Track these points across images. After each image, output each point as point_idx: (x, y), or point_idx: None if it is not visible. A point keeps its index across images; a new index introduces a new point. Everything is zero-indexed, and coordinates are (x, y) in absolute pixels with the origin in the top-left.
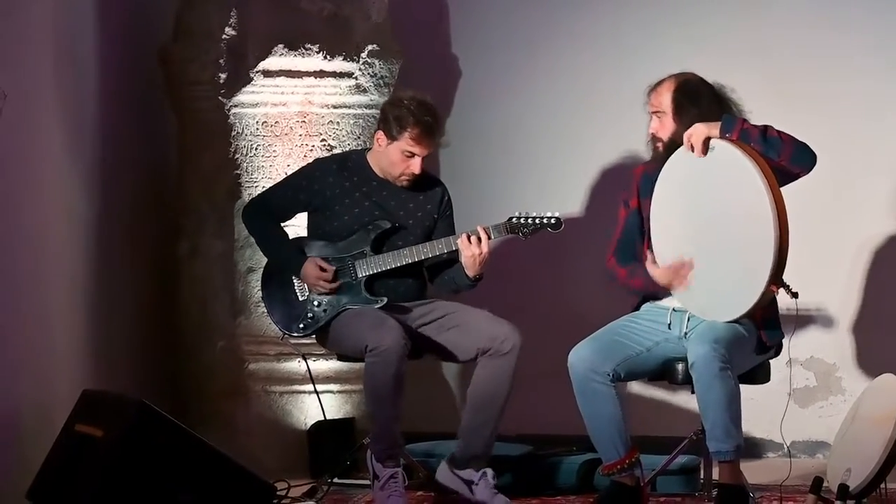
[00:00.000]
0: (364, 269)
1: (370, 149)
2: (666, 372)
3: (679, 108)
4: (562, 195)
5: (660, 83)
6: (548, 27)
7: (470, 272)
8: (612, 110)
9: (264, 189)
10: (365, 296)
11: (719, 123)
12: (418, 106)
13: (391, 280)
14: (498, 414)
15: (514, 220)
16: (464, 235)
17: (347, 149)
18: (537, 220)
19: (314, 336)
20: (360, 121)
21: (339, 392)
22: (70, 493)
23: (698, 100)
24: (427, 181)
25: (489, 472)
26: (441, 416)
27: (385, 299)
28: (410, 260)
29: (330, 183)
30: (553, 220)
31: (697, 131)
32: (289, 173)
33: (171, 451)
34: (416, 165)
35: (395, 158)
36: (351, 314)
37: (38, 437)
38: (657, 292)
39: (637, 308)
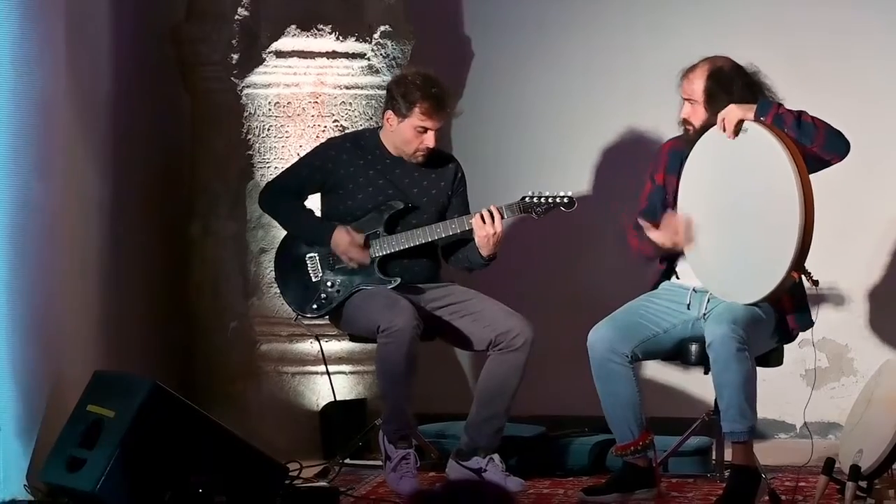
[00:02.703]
0: (378, 250)
1: (382, 127)
2: (679, 353)
3: (711, 97)
4: (575, 176)
5: (692, 69)
6: (561, 8)
7: (484, 252)
8: (626, 91)
9: (279, 172)
10: (378, 276)
11: (754, 106)
12: (424, 80)
13: (405, 259)
14: (506, 408)
15: (527, 199)
16: (477, 215)
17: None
18: (550, 200)
19: (327, 317)
20: (373, 102)
21: (351, 373)
22: (82, 474)
23: (731, 88)
24: (440, 158)
25: (496, 457)
26: (454, 397)
27: (398, 279)
28: (424, 240)
29: (344, 161)
30: (566, 199)
31: (731, 113)
32: (301, 154)
33: (183, 432)
34: (430, 140)
35: (409, 136)
36: (364, 295)
37: (49, 418)
38: (674, 262)
39: (655, 287)
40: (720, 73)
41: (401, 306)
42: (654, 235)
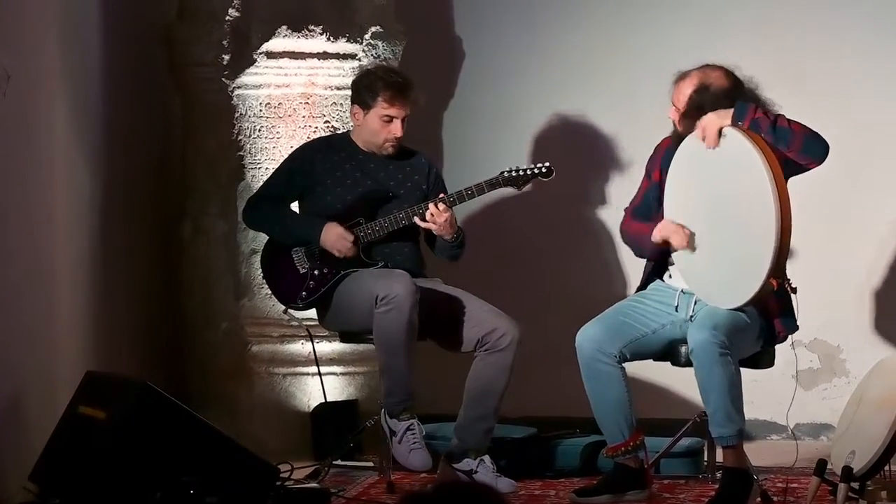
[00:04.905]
0: (362, 237)
1: (352, 129)
2: (669, 354)
3: (688, 111)
4: (568, 176)
5: (684, 76)
6: (554, 7)
7: (446, 236)
8: (621, 90)
9: (259, 186)
10: (363, 260)
11: (731, 112)
12: (385, 71)
13: (388, 247)
14: (494, 409)
15: (505, 173)
16: (417, 219)
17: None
18: (528, 171)
19: (316, 312)
20: None
21: (342, 374)
22: (73, 475)
23: (713, 107)
24: (408, 153)
25: (486, 458)
26: (445, 398)
27: (381, 262)
28: (407, 222)
29: (319, 159)
30: (544, 169)
31: (710, 124)
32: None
33: (174, 432)
34: (396, 128)
35: (376, 126)
36: (354, 276)
37: (41, 419)
38: (665, 262)
39: (644, 287)
40: (706, 92)
41: (398, 275)
42: (660, 223)
